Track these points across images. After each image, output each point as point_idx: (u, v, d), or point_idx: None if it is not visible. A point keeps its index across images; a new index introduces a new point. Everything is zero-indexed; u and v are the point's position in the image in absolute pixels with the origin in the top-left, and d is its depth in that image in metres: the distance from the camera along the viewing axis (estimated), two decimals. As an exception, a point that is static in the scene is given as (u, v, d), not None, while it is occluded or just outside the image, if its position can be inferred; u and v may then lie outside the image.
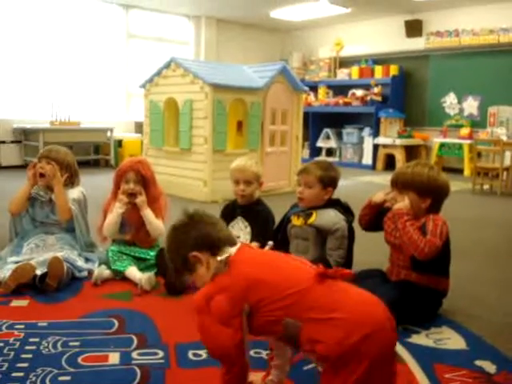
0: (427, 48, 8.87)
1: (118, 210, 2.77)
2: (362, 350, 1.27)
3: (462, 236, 3.67)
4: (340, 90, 9.84)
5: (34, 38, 7.84)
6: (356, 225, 2.57)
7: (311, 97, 9.94)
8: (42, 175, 2.86)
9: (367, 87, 9.36)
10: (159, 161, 5.56)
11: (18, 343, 1.92)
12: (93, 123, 8.15)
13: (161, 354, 1.87)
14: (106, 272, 2.69)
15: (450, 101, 8.80)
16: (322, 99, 9.92)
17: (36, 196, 2.90)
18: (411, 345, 2.00)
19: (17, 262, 2.58)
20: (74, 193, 2.92)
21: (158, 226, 2.79)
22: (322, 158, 9.70)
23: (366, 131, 9.25)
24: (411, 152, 8.79)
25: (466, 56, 8.51)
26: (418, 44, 8.93)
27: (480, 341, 2.06)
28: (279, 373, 1.61)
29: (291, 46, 10.82)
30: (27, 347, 1.89)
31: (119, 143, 8.26)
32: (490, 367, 1.83)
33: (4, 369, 1.73)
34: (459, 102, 8.67)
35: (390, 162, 8.90)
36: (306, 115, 8.18)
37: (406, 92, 9.29)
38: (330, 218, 2.53)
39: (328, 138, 9.82)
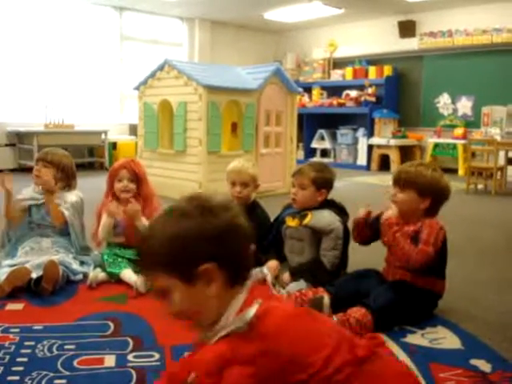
0: (421, 48, 8.90)
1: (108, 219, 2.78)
2: None
3: (456, 236, 3.67)
4: (334, 90, 9.86)
5: (27, 41, 7.81)
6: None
7: (305, 98, 9.94)
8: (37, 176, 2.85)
9: (361, 88, 9.38)
10: (154, 163, 5.55)
11: (13, 347, 1.91)
12: (87, 126, 8.12)
13: (156, 356, 1.87)
14: (101, 275, 2.67)
15: (443, 101, 8.83)
16: (316, 100, 9.93)
17: (32, 198, 2.88)
18: (407, 344, 2.00)
19: (12, 266, 2.57)
20: (71, 196, 2.88)
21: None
22: (317, 159, 9.73)
23: (361, 132, 9.26)
24: (406, 152, 8.80)
25: (459, 56, 8.55)
26: (411, 44, 8.95)
27: (475, 340, 2.06)
28: None
29: (285, 47, 10.83)
30: (23, 351, 1.88)
31: (113, 146, 8.25)
32: (485, 366, 1.83)
33: (-1, 373, 1.72)
34: (453, 102, 8.70)
35: (384, 163, 8.92)
36: (301, 116, 8.20)
37: (400, 92, 9.32)
38: (324, 218, 2.54)
39: (322, 138, 9.83)
